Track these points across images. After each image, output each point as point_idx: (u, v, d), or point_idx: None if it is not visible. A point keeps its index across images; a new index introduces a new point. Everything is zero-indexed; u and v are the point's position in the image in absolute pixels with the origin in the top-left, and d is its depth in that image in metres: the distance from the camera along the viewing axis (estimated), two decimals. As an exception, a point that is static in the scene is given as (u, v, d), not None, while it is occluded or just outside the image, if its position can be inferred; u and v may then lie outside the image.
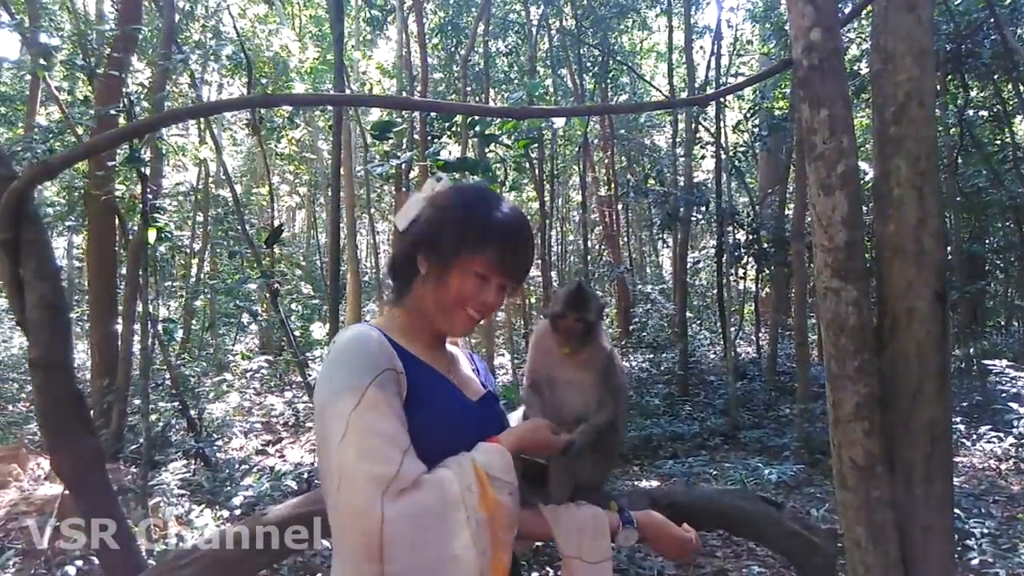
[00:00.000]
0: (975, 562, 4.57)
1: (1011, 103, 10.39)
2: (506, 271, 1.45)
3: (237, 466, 7.39)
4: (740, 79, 12.49)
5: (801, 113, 2.59)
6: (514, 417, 1.78)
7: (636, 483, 6.92)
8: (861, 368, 2.43)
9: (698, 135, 12.93)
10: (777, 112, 11.99)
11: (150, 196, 6.26)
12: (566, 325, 1.69)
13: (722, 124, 12.56)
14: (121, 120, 6.90)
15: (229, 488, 6.37)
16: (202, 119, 12.23)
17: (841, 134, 2.48)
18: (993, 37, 8.14)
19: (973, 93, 10.60)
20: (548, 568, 4.24)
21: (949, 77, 9.58)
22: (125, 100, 6.62)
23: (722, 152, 12.12)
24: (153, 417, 6.97)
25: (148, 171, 6.71)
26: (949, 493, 2.51)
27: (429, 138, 9.58)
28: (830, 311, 2.47)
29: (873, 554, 2.39)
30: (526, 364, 1.82)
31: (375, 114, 14.46)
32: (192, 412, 8.09)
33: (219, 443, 8.11)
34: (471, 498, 1.29)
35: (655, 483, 6.77)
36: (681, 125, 13.72)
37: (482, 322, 1.54)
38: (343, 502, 1.23)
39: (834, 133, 2.47)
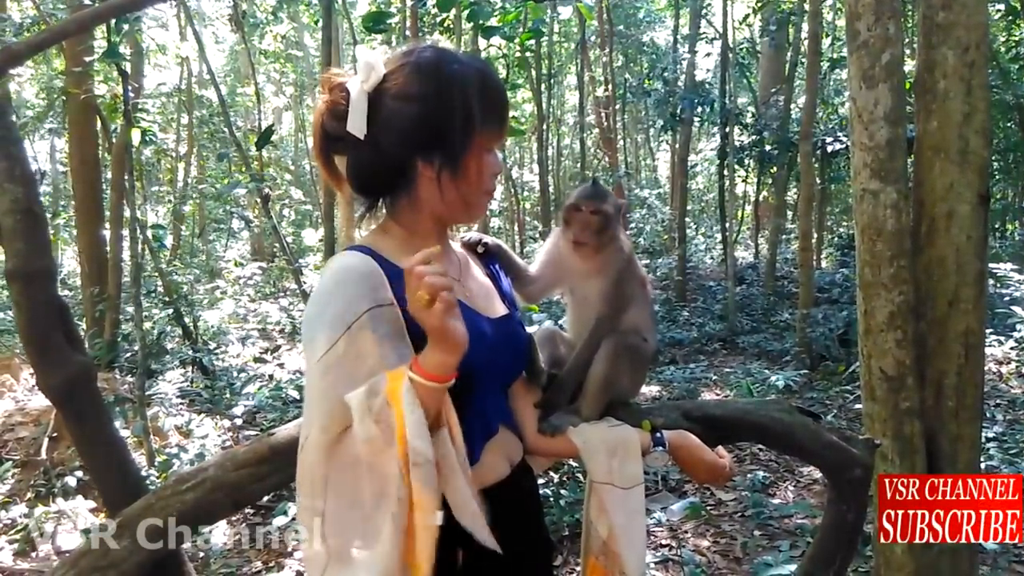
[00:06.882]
0: (982, 467, 4.56)
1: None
2: (505, 128, 1.29)
3: (235, 374, 7.35)
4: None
5: (844, -5, 2.36)
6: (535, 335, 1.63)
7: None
8: (896, 275, 2.31)
9: (701, 31, 12.39)
10: (786, 6, 11.47)
11: (132, 95, 5.95)
12: (581, 218, 1.55)
13: (730, 18, 12.00)
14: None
15: (229, 397, 6.34)
16: (182, 13, 11.64)
17: (887, 19, 2.27)
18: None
19: (989, -15, 10.11)
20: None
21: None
22: (99, -10, 6.19)
23: (728, 49, 11.63)
24: (147, 325, 6.87)
25: (129, 68, 6.34)
26: (979, 403, 2.44)
27: (421, 33, 9.15)
28: (867, 214, 2.33)
29: (899, 467, 2.33)
30: (537, 258, 1.68)
31: (362, 8, 13.77)
32: (187, 320, 7.99)
33: (216, 351, 8.05)
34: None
35: (656, 389, 6.78)
36: (683, 20, 13.16)
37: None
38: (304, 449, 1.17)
39: (879, 19, 2.26)
